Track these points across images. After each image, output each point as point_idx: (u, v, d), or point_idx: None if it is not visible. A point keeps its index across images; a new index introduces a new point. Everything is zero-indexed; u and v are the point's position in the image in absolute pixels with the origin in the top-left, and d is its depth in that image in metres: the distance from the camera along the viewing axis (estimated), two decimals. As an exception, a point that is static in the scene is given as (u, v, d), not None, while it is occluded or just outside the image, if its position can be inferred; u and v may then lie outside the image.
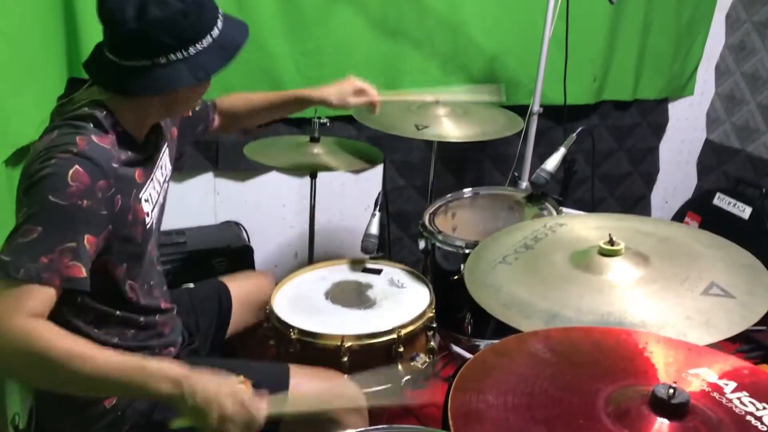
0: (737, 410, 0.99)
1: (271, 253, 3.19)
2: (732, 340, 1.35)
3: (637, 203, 3.92)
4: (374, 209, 2.29)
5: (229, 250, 2.76)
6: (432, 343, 1.95)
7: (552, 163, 2.35)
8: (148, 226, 1.54)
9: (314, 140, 2.51)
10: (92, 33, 2.24)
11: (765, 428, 0.96)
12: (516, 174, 3.01)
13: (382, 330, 1.82)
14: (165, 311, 1.70)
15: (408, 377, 1.88)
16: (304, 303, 1.99)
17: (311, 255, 2.77)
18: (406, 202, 3.32)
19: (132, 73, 1.40)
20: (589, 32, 3.20)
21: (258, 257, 2.90)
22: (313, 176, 2.62)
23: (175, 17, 1.36)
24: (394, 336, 1.82)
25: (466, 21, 2.99)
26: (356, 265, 2.20)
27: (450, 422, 0.97)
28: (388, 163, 3.15)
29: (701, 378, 1.07)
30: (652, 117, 3.73)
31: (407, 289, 2.07)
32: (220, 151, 2.87)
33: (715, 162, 3.86)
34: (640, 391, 1.01)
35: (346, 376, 1.76)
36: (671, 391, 0.97)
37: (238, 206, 3.03)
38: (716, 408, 1.00)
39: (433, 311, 1.95)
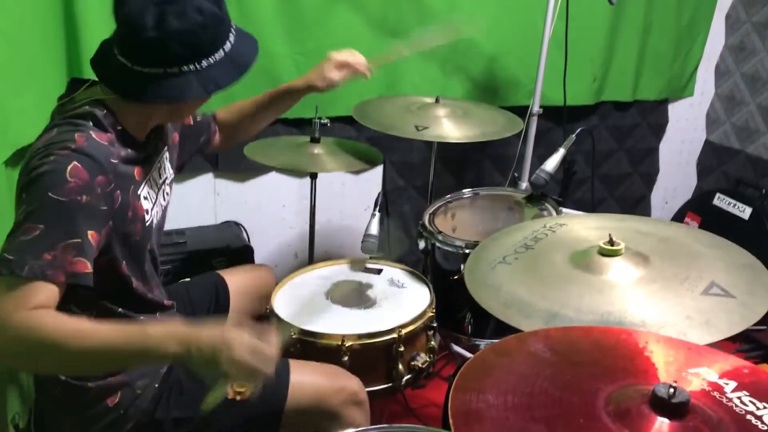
0: (737, 410, 0.99)
1: (271, 254, 3.19)
2: (732, 339, 1.35)
3: (637, 204, 3.92)
4: (374, 209, 2.29)
5: (229, 250, 2.76)
6: (432, 342, 1.95)
7: (552, 163, 2.35)
8: (147, 224, 1.54)
9: (314, 141, 2.52)
10: (92, 33, 2.25)
11: (765, 428, 0.96)
12: (516, 174, 3.01)
13: (383, 329, 1.82)
14: (165, 309, 1.70)
15: (408, 377, 1.88)
16: (304, 302, 1.98)
17: (311, 255, 2.77)
18: (406, 202, 3.32)
19: (142, 79, 1.39)
20: (589, 33, 3.20)
21: (258, 257, 2.90)
22: (313, 176, 2.62)
23: (193, 29, 1.36)
24: (395, 335, 1.82)
25: (465, 21, 2.99)
26: (356, 265, 2.20)
27: (450, 421, 0.97)
28: (388, 164, 3.15)
29: (701, 377, 1.07)
30: (652, 117, 3.73)
31: (407, 289, 2.07)
32: (221, 151, 2.87)
33: (715, 162, 3.86)
34: (640, 391, 1.01)
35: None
36: (671, 390, 0.97)
37: (238, 206, 3.03)
38: (716, 407, 1.00)
39: (434, 311, 1.95)
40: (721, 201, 3.41)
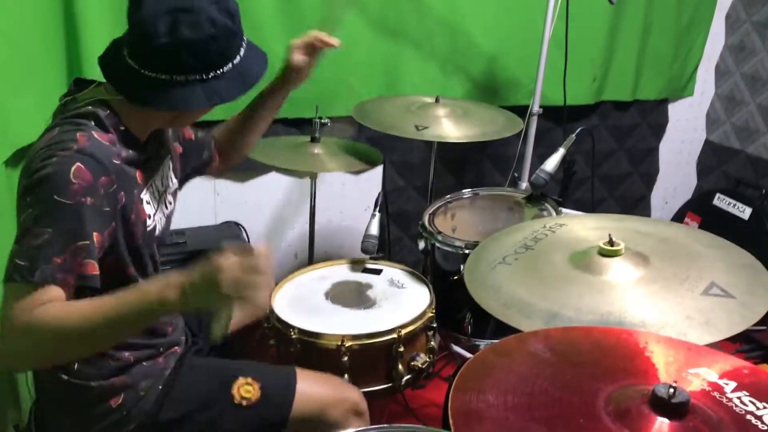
0: (737, 410, 0.99)
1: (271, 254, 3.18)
2: (732, 339, 1.35)
3: (637, 204, 3.92)
4: (374, 209, 2.29)
5: (229, 251, 2.75)
6: (432, 342, 1.95)
7: (552, 163, 2.35)
8: (149, 228, 1.54)
9: (314, 141, 2.52)
10: (92, 33, 2.25)
11: (765, 428, 0.96)
12: (516, 174, 3.01)
13: (383, 330, 1.82)
14: None
15: (408, 377, 1.88)
16: (304, 303, 1.99)
17: (311, 255, 2.77)
18: (406, 202, 3.32)
19: (148, 83, 1.40)
20: (589, 32, 3.20)
21: (258, 257, 2.90)
22: (313, 176, 2.62)
23: (205, 40, 1.36)
24: (395, 336, 1.82)
25: (465, 21, 2.99)
26: (356, 265, 2.20)
27: (450, 421, 0.97)
28: (387, 164, 3.14)
29: (701, 377, 1.07)
30: (652, 117, 3.73)
31: (407, 290, 2.07)
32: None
33: (715, 162, 3.86)
34: (640, 391, 1.01)
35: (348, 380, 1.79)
36: (671, 390, 0.97)
37: (238, 206, 3.03)
38: (716, 407, 1.00)
39: (433, 311, 1.95)
40: (721, 201, 3.42)
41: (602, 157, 3.66)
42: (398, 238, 3.37)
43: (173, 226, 2.74)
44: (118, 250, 1.45)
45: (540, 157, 2.62)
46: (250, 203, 3.04)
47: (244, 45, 1.47)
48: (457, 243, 2.14)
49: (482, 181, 3.40)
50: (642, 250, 1.59)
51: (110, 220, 1.38)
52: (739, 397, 1.01)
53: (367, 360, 1.82)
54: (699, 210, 3.55)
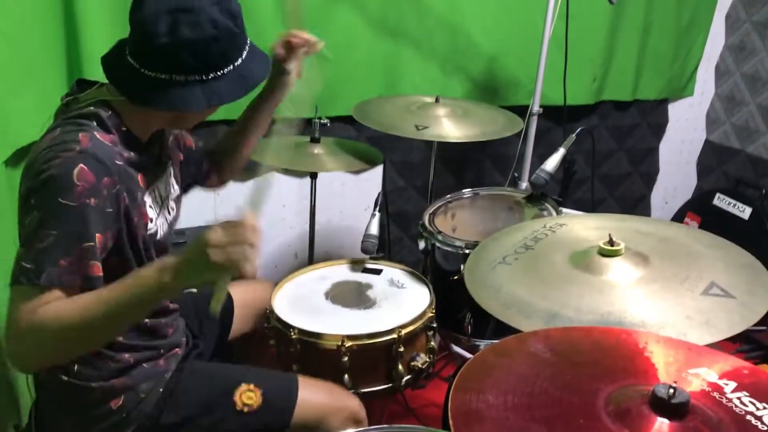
0: (737, 410, 0.99)
1: (271, 254, 3.19)
2: (732, 340, 1.35)
3: (637, 204, 3.92)
4: (374, 209, 2.29)
5: (229, 251, 2.75)
6: (432, 342, 1.95)
7: (552, 163, 2.35)
8: (149, 231, 1.53)
9: (314, 141, 2.52)
10: (92, 33, 2.25)
11: (765, 428, 0.96)
12: (516, 174, 3.01)
13: (383, 330, 1.82)
14: (169, 314, 1.70)
15: (408, 377, 1.88)
16: (304, 303, 1.98)
17: (311, 255, 2.77)
18: (406, 202, 3.32)
19: (148, 83, 1.40)
20: (589, 32, 3.20)
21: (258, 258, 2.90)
22: (313, 176, 2.62)
23: (205, 40, 1.36)
24: (395, 336, 1.82)
25: (465, 21, 3.00)
26: (356, 265, 2.20)
27: (450, 422, 0.97)
28: (387, 164, 3.15)
29: (701, 378, 1.07)
30: (651, 117, 3.73)
31: (407, 290, 2.07)
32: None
33: (715, 162, 3.86)
34: (640, 391, 1.01)
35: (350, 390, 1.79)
36: (671, 390, 0.97)
37: (238, 206, 3.02)
38: (716, 408, 1.00)
39: (433, 311, 1.95)
40: (721, 201, 3.42)
41: (602, 157, 3.67)
42: (398, 238, 3.37)
43: (174, 226, 2.77)
44: (121, 251, 1.45)
45: (540, 157, 2.62)
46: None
47: (247, 47, 1.47)
48: (458, 243, 2.14)
49: (482, 180, 3.40)
50: (642, 250, 1.59)
51: (112, 221, 1.39)
52: (739, 398, 1.01)
53: (367, 360, 1.82)
54: (699, 210, 3.55)
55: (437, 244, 2.18)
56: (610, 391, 1.03)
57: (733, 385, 1.04)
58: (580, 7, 2.94)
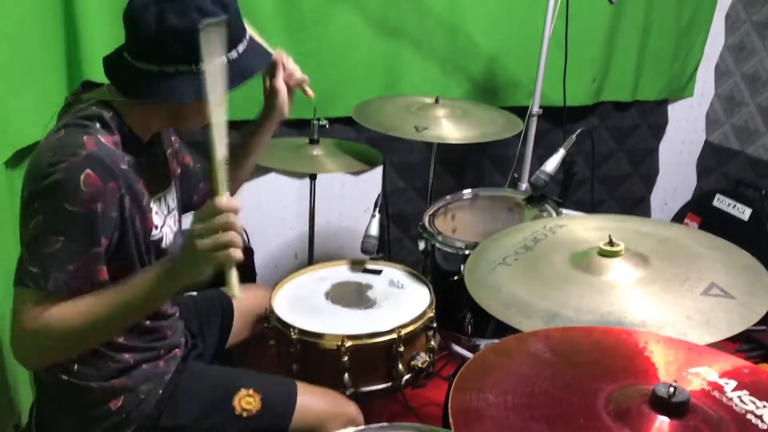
0: (737, 409, 0.99)
1: (271, 255, 3.19)
2: (732, 339, 1.35)
3: (636, 205, 3.92)
4: (374, 210, 2.29)
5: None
6: (432, 342, 1.95)
7: (551, 164, 2.36)
8: (153, 238, 1.53)
9: (313, 142, 2.52)
10: (92, 33, 2.25)
11: (765, 427, 0.96)
12: (515, 175, 3.01)
13: (383, 330, 1.82)
14: (169, 316, 1.70)
15: (408, 376, 1.88)
16: (304, 303, 1.98)
17: (311, 256, 2.77)
18: (405, 203, 3.32)
19: (139, 75, 1.40)
20: (588, 32, 3.21)
21: (258, 258, 2.90)
22: (313, 178, 2.62)
23: (192, 28, 1.35)
24: (395, 336, 1.82)
25: (465, 21, 3.00)
26: (356, 266, 2.20)
27: (450, 420, 0.97)
28: (387, 165, 3.15)
29: (701, 377, 1.07)
30: (651, 118, 3.73)
31: (407, 290, 2.07)
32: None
33: (715, 163, 3.87)
34: (640, 390, 1.01)
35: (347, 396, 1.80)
36: (671, 390, 0.97)
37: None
38: (716, 407, 1.00)
39: (434, 311, 1.95)
40: (720, 202, 3.42)
41: (602, 158, 3.67)
42: (398, 239, 3.37)
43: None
44: (125, 254, 1.45)
45: (540, 158, 2.62)
46: (249, 204, 3.04)
47: (244, 42, 1.46)
48: (457, 244, 2.14)
49: (482, 182, 3.40)
50: (642, 250, 1.59)
51: (116, 225, 1.39)
52: (739, 396, 1.01)
53: (367, 360, 1.82)
54: (699, 211, 3.55)
55: (437, 245, 2.18)
56: (610, 391, 1.03)
57: (733, 384, 1.04)
58: (580, 7, 2.94)
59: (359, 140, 2.96)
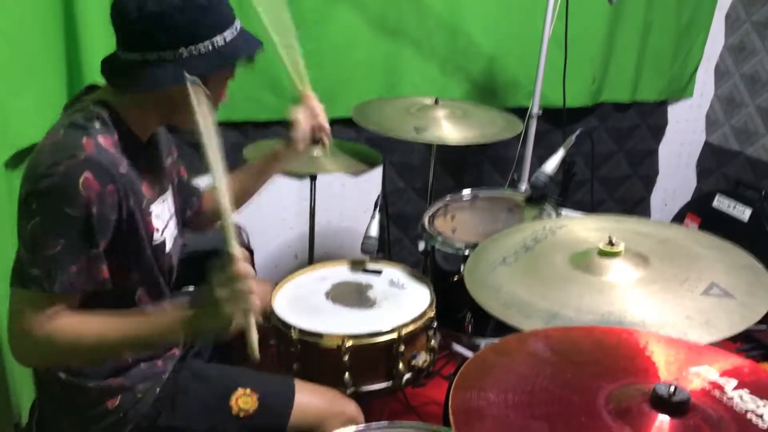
0: (738, 408, 0.99)
1: (271, 255, 3.19)
2: (732, 339, 1.35)
3: (636, 205, 3.92)
4: (374, 211, 2.29)
5: (229, 252, 2.75)
6: (433, 342, 1.95)
7: (551, 165, 2.36)
8: (155, 242, 1.53)
9: (313, 142, 2.51)
10: (92, 33, 2.24)
11: (766, 425, 0.96)
12: (515, 176, 3.01)
13: (383, 330, 1.82)
14: None
15: (409, 375, 1.88)
16: (304, 303, 1.99)
17: (311, 256, 2.77)
18: (405, 204, 3.32)
19: (126, 66, 1.41)
20: (588, 32, 3.21)
21: (258, 259, 2.90)
22: (313, 178, 2.62)
23: (169, 12, 1.35)
24: (395, 335, 1.82)
25: (465, 21, 3.00)
26: (356, 266, 2.20)
27: (451, 419, 0.97)
28: (387, 165, 3.15)
29: (702, 376, 1.07)
30: (651, 119, 3.73)
31: (407, 290, 2.07)
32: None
33: (715, 164, 3.87)
34: (641, 389, 1.01)
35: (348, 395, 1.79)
36: (672, 389, 0.97)
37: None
38: (717, 405, 1.00)
39: (434, 311, 1.95)
40: (720, 203, 3.41)
41: (602, 158, 3.67)
42: (398, 239, 3.37)
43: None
44: (121, 256, 1.44)
45: (539, 158, 2.62)
46: (249, 205, 3.03)
47: (233, 30, 1.44)
48: (457, 244, 2.14)
49: (482, 182, 3.40)
50: (642, 251, 1.60)
51: (114, 228, 1.39)
52: (740, 396, 1.01)
53: (367, 359, 1.82)
54: (699, 211, 3.55)
55: (437, 246, 2.18)
56: (610, 390, 1.03)
57: (733, 382, 1.04)
58: (580, 7, 2.94)
59: (359, 141, 2.96)
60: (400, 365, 1.85)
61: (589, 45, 3.25)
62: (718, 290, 1.45)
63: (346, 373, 1.80)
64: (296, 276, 2.13)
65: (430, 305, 1.95)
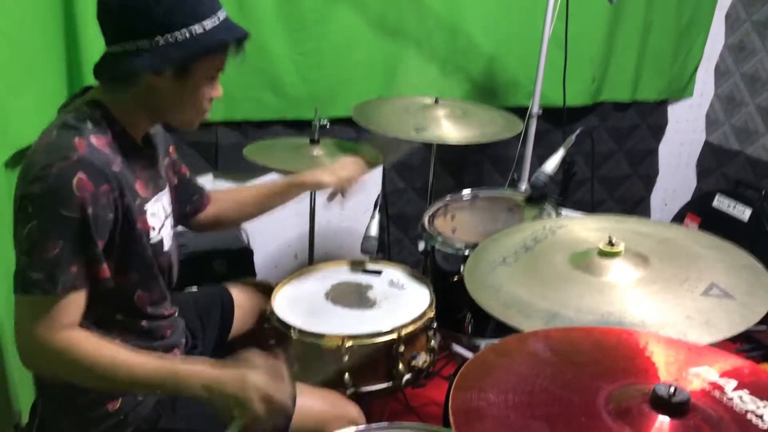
0: (738, 408, 0.99)
1: (271, 255, 3.19)
2: (732, 339, 1.35)
3: (636, 205, 3.92)
4: (374, 211, 2.29)
5: (228, 252, 2.75)
6: (433, 342, 1.95)
7: (551, 164, 2.35)
8: (153, 240, 1.53)
9: (314, 142, 2.52)
10: (92, 34, 2.24)
11: (766, 426, 0.96)
12: (515, 176, 3.01)
13: (383, 330, 1.82)
14: (168, 316, 1.70)
15: (408, 376, 1.88)
16: (304, 303, 1.98)
17: (311, 256, 2.77)
18: (405, 204, 3.32)
19: (109, 59, 1.42)
20: (588, 32, 3.21)
21: (258, 259, 2.90)
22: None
23: (147, 1, 1.35)
24: (395, 336, 1.82)
25: (465, 21, 3.00)
26: (356, 266, 2.20)
27: (451, 419, 0.97)
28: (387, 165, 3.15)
29: (702, 377, 1.07)
30: (651, 118, 3.73)
31: (407, 290, 2.07)
32: (220, 152, 2.87)
33: (715, 164, 3.87)
34: (640, 390, 1.01)
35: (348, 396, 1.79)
36: (672, 389, 0.97)
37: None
38: (717, 406, 1.00)
39: (434, 311, 1.95)
40: (720, 202, 3.41)
41: (602, 158, 3.67)
42: (398, 240, 3.37)
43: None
44: (118, 256, 1.44)
45: (539, 158, 2.62)
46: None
47: (215, 19, 1.43)
48: (457, 244, 2.14)
49: (482, 182, 3.40)
50: (642, 251, 1.59)
51: (111, 227, 1.39)
52: (740, 396, 1.01)
53: (367, 360, 1.81)
54: (699, 211, 3.55)
55: (437, 246, 2.18)
56: (610, 390, 1.03)
57: (733, 383, 1.04)
58: (580, 7, 2.94)
59: (359, 140, 2.96)
60: (400, 366, 1.84)
61: (589, 45, 3.25)
62: (718, 290, 1.45)
63: (346, 374, 1.79)
64: (296, 276, 2.13)
65: (430, 305, 1.95)
